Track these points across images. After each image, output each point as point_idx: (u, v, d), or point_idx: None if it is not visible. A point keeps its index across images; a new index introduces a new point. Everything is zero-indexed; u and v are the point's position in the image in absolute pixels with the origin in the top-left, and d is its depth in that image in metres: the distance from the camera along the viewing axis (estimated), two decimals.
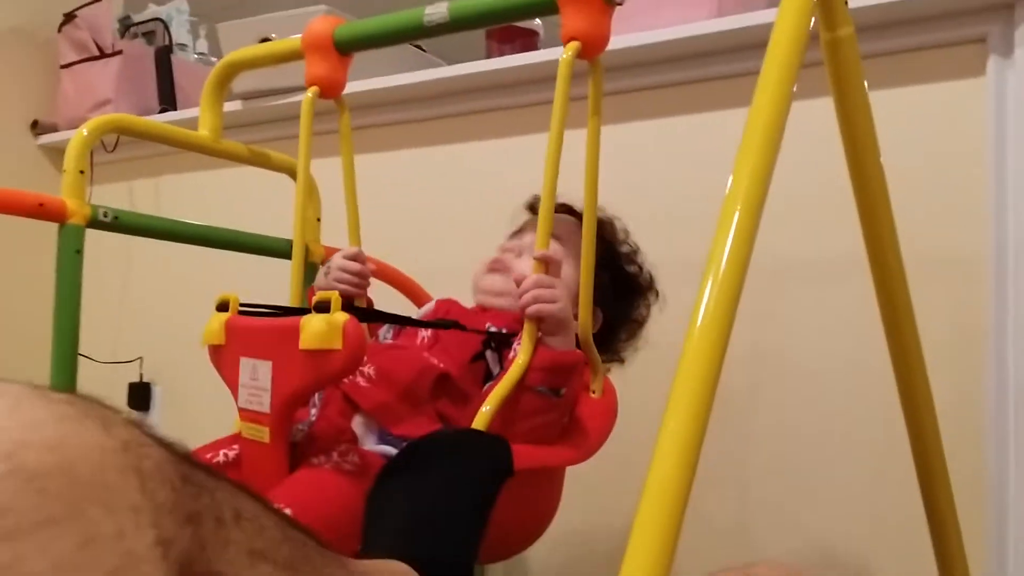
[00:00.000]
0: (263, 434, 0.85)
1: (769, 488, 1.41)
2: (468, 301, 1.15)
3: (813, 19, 0.72)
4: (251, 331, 0.89)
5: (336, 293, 0.82)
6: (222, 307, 0.93)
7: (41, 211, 1.10)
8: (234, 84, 1.39)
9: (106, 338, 2.18)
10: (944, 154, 1.32)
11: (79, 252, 1.12)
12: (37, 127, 2.30)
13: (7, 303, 2.18)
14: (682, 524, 0.49)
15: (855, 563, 1.34)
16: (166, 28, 2.24)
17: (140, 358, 2.16)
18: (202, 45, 2.38)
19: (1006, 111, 1.26)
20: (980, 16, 1.28)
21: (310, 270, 1.27)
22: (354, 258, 1.09)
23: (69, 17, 2.21)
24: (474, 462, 0.82)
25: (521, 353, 0.90)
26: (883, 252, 0.95)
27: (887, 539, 1.31)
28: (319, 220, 1.43)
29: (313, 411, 0.95)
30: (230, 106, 1.89)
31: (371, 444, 0.93)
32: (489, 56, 1.69)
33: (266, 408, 0.84)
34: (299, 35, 1.13)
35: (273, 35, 1.75)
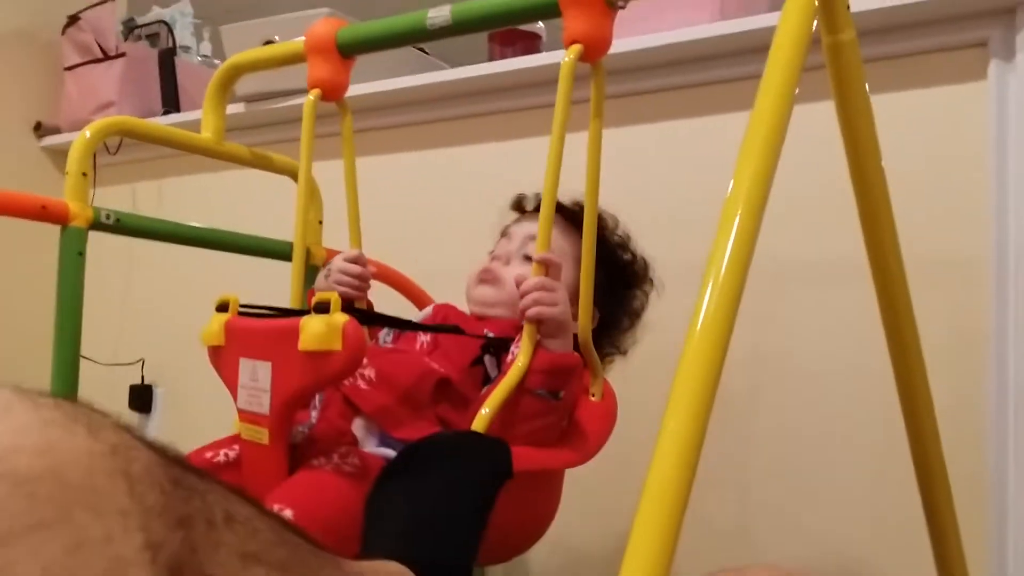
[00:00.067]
0: (262, 435, 0.85)
1: (769, 490, 1.41)
2: (467, 305, 1.15)
3: (815, 23, 0.72)
4: (250, 332, 0.89)
5: (336, 294, 0.81)
6: (222, 308, 0.93)
7: (44, 213, 1.10)
8: (237, 86, 1.39)
9: (108, 340, 2.18)
10: (945, 158, 1.32)
11: (81, 254, 1.12)
12: (40, 129, 2.30)
13: (9, 305, 2.19)
14: (682, 526, 0.49)
15: (855, 565, 1.34)
16: (170, 30, 2.25)
17: (142, 360, 2.16)
18: (206, 47, 2.39)
19: (1007, 115, 1.26)
20: (981, 20, 1.28)
21: (311, 272, 1.27)
22: (355, 260, 1.08)
23: (72, 19, 2.21)
24: (473, 464, 0.82)
25: (520, 355, 0.89)
26: (884, 255, 0.95)
27: (887, 541, 1.31)
28: (320, 222, 1.43)
29: (313, 413, 0.95)
30: (233, 108, 1.90)
31: (372, 447, 0.93)
32: (491, 59, 1.70)
33: (265, 409, 0.84)
34: (302, 38, 1.13)
35: (276, 37, 1.76)
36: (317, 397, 0.97)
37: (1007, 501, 1.22)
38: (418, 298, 1.44)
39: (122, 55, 2.14)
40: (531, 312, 0.89)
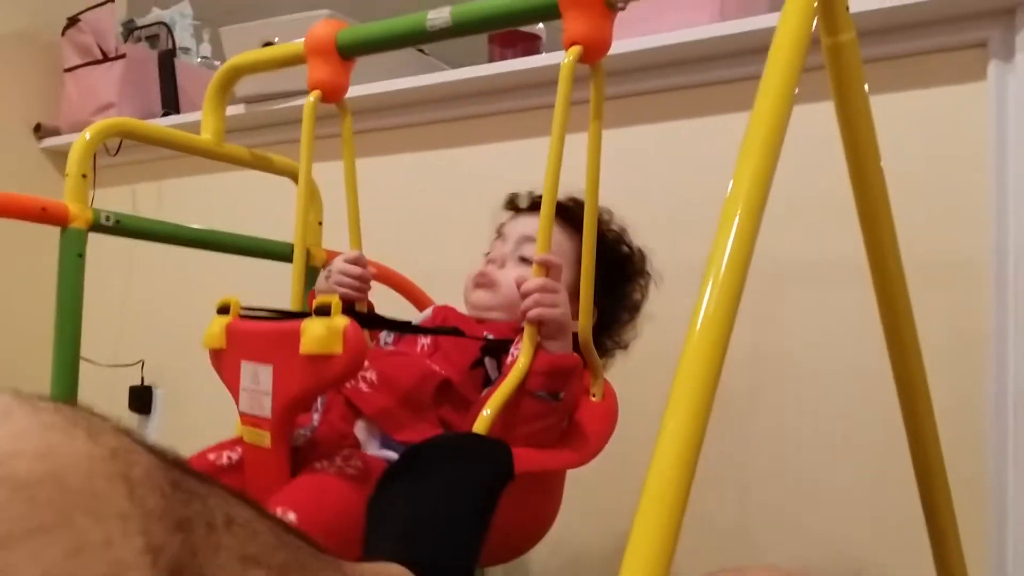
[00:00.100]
0: (264, 439, 0.85)
1: (769, 490, 1.41)
2: (465, 307, 1.15)
3: (815, 24, 0.72)
4: (252, 335, 0.89)
5: (336, 297, 0.81)
6: (223, 310, 0.93)
7: (43, 215, 1.10)
8: (237, 88, 1.39)
9: (108, 341, 2.18)
10: (945, 158, 1.32)
11: (81, 256, 1.12)
12: (40, 130, 2.30)
13: (9, 306, 2.19)
14: (681, 526, 0.49)
15: (855, 565, 1.34)
16: (169, 32, 2.25)
17: (141, 361, 2.16)
18: (205, 49, 2.39)
19: (1007, 115, 1.26)
20: (981, 21, 1.28)
21: (311, 274, 1.27)
22: (355, 262, 1.08)
23: (72, 21, 2.22)
24: (475, 466, 0.82)
25: (521, 357, 0.89)
26: (883, 256, 0.95)
27: (887, 541, 1.31)
28: (320, 224, 1.43)
29: (315, 416, 0.95)
30: (233, 110, 1.90)
31: (374, 449, 0.93)
32: (491, 60, 1.70)
33: (267, 413, 0.84)
34: (302, 39, 1.13)
35: (276, 39, 1.76)
36: (319, 399, 0.97)
37: (1007, 502, 1.22)
38: (418, 299, 1.44)
39: (122, 56, 2.14)
40: (532, 313, 0.89)
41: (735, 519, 1.42)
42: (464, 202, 1.74)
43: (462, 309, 1.14)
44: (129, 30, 2.27)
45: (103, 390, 2.16)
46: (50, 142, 2.30)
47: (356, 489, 0.82)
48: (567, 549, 1.50)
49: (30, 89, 2.30)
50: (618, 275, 1.13)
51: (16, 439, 0.37)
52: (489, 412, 0.86)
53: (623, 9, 0.91)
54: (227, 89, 1.32)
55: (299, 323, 0.81)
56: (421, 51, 1.86)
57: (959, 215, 1.30)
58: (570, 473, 1.02)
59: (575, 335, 0.95)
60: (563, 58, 0.90)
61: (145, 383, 2.18)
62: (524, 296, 0.90)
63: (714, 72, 1.48)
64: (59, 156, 2.31)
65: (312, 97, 1.10)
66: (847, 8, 0.85)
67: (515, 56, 1.66)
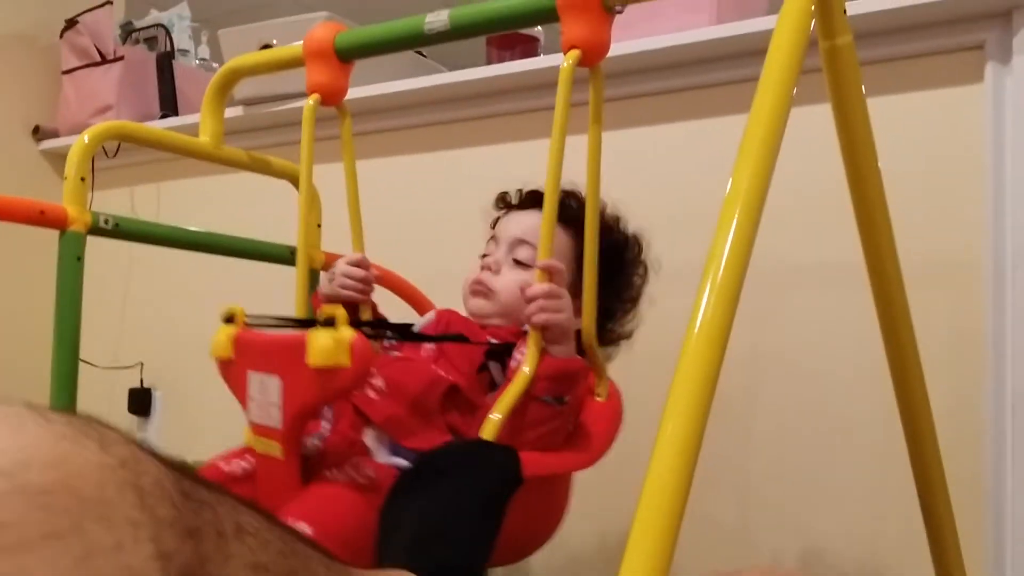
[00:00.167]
0: (275, 449, 0.86)
1: (769, 490, 1.41)
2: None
3: (812, 26, 0.73)
4: (258, 346, 0.89)
5: (342, 308, 0.82)
6: (228, 319, 0.93)
7: (42, 218, 1.10)
8: (235, 90, 1.39)
9: (107, 343, 2.18)
10: (942, 160, 1.32)
11: (80, 259, 1.12)
12: (38, 132, 2.30)
13: (8, 308, 2.19)
14: (680, 527, 0.49)
15: (854, 565, 1.34)
16: (168, 34, 2.25)
17: (141, 363, 2.16)
18: (203, 51, 2.39)
19: (1004, 117, 1.26)
20: (978, 23, 1.28)
21: (310, 276, 1.27)
22: (358, 264, 1.09)
23: (71, 23, 2.22)
24: (484, 473, 0.82)
25: (526, 362, 0.90)
26: (881, 257, 0.95)
27: (886, 541, 1.31)
28: (319, 226, 1.43)
29: (325, 424, 0.96)
30: (231, 112, 1.90)
31: (383, 457, 0.93)
32: (489, 62, 1.70)
33: (277, 423, 0.85)
34: (300, 42, 1.13)
35: (274, 41, 1.76)
36: (327, 407, 0.97)
37: (1005, 502, 1.22)
38: (418, 302, 1.44)
39: (120, 59, 2.15)
40: (537, 319, 0.90)
41: (735, 519, 1.43)
42: (462, 204, 1.73)
43: (463, 311, 1.14)
44: (127, 32, 2.27)
45: (102, 392, 2.16)
46: (48, 144, 2.30)
47: (366, 499, 0.83)
48: (567, 549, 1.50)
49: (28, 91, 2.30)
50: (616, 264, 1.12)
51: (29, 449, 0.37)
52: (498, 416, 0.87)
53: (621, 12, 0.92)
54: (226, 92, 1.32)
55: (305, 335, 0.82)
56: (419, 53, 1.86)
57: (956, 216, 1.30)
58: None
59: (578, 332, 0.95)
60: (562, 61, 0.90)
61: (144, 385, 2.18)
62: (528, 301, 0.90)
63: (711, 74, 1.49)
64: (58, 158, 2.31)
65: (311, 100, 1.10)
66: (844, 11, 0.86)
67: (513, 58, 1.66)
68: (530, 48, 1.69)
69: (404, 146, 1.85)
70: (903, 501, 1.08)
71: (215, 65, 2.34)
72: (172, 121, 2.09)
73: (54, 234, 1.13)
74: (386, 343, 1.11)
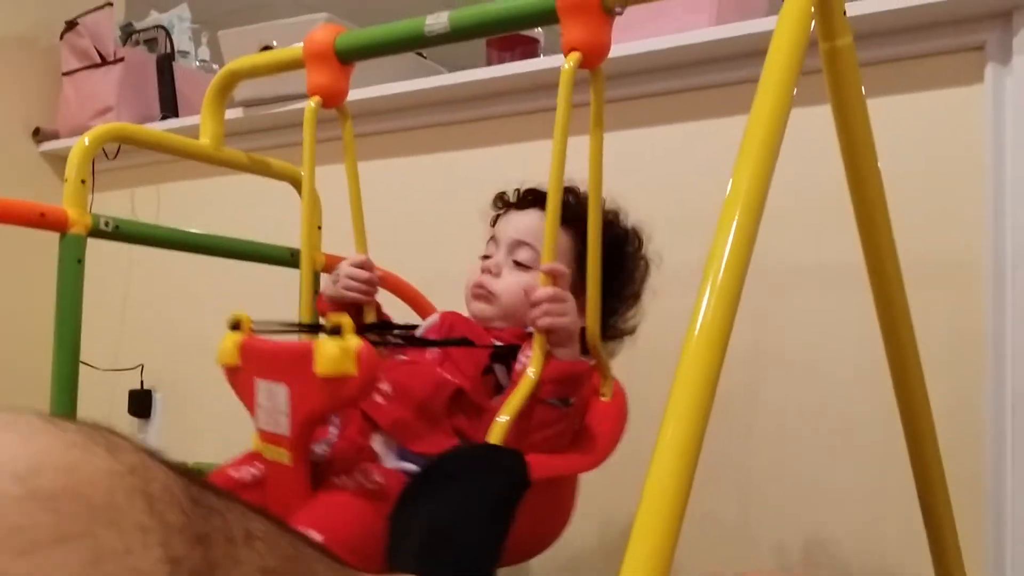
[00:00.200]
0: (284, 456, 0.86)
1: (769, 490, 1.41)
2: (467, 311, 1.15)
3: (812, 27, 0.73)
4: (265, 354, 0.89)
5: (348, 317, 0.82)
6: (234, 326, 0.93)
7: (42, 221, 1.10)
8: (235, 91, 1.39)
9: (107, 345, 2.18)
10: (942, 160, 1.32)
11: (80, 261, 1.12)
12: (39, 134, 2.30)
13: (9, 311, 2.19)
14: (680, 529, 0.49)
15: (854, 565, 1.34)
16: (168, 35, 2.25)
17: (141, 365, 2.17)
18: (204, 52, 2.39)
19: (1004, 118, 1.26)
20: (978, 24, 1.28)
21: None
22: (362, 266, 1.10)
23: (71, 24, 2.22)
24: (492, 477, 0.83)
25: (532, 366, 0.90)
26: (881, 258, 0.95)
27: (886, 541, 1.31)
28: (319, 228, 1.43)
29: (332, 429, 0.96)
30: (231, 113, 1.89)
31: (392, 461, 0.93)
32: (489, 63, 1.70)
33: (285, 431, 0.85)
34: (300, 44, 1.13)
35: (274, 43, 1.76)
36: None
37: (1005, 503, 1.22)
38: (419, 305, 1.43)
39: (120, 60, 2.15)
40: (542, 323, 0.90)
41: (735, 517, 1.43)
42: (462, 205, 1.73)
43: (464, 312, 1.14)
44: (127, 34, 2.27)
45: (102, 394, 2.16)
46: (49, 146, 2.30)
47: (375, 506, 0.84)
48: (568, 549, 1.50)
49: (29, 93, 2.31)
50: (617, 260, 1.12)
51: (41, 455, 0.38)
52: (504, 419, 0.87)
53: (620, 14, 0.92)
54: (226, 94, 1.32)
55: (312, 344, 0.82)
56: (419, 54, 1.86)
57: (956, 216, 1.30)
58: None
59: (582, 330, 0.95)
60: (562, 63, 0.90)
61: (144, 387, 2.18)
62: (533, 306, 0.91)
63: (711, 75, 1.49)
64: (58, 160, 2.31)
65: (313, 103, 1.10)
66: (844, 12, 0.86)
67: (513, 59, 1.66)
68: (530, 49, 1.69)
69: (404, 148, 1.85)
70: (903, 501, 1.08)
71: (215, 66, 2.34)
72: (172, 123, 2.09)
73: (54, 236, 1.13)
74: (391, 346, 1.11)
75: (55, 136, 2.30)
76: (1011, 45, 1.25)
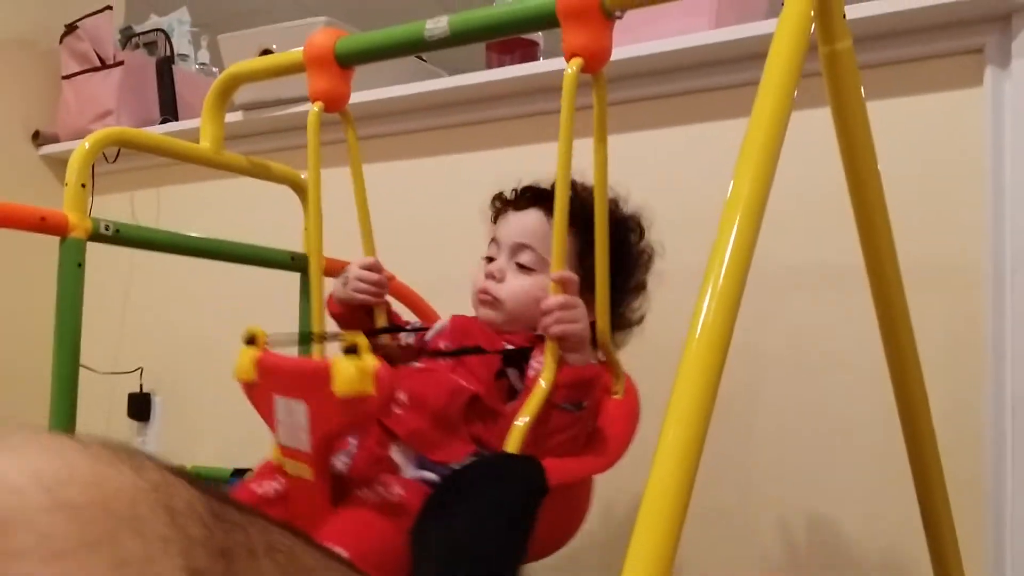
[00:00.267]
0: (305, 471, 0.86)
1: (770, 490, 1.41)
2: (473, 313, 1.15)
3: (812, 29, 0.73)
4: (283, 371, 0.89)
5: (363, 335, 0.82)
6: (249, 340, 0.93)
7: (43, 225, 1.10)
8: (235, 94, 1.39)
9: (107, 348, 2.18)
10: (941, 163, 1.32)
11: (80, 265, 1.12)
12: (38, 138, 2.30)
13: (9, 314, 2.19)
14: (681, 531, 0.49)
15: (854, 564, 1.34)
16: (167, 39, 2.25)
17: (140, 368, 2.16)
18: (203, 55, 2.40)
19: (1003, 121, 1.26)
20: (977, 27, 1.28)
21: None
22: (371, 268, 1.11)
23: (71, 28, 2.22)
24: (510, 486, 0.83)
25: (545, 372, 0.91)
26: (880, 261, 0.96)
27: (886, 541, 1.31)
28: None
29: (352, 441, 0.96)
30: (231, 116, 1.90)
31: (411, 471, 0.94)
32: (489, 66, 1.70)
33: (306, 447, 0.85)
34: (300, 48, 1.13)
35: (274, 46, 1.76)
36: None
37: (1005, 504, 1.22)
38: (421, 311, 1.43)
39: (120, 64, 2.15)
40: (554, 330, 0.91)
41: (736, 517, 1.43)
42: (463, 208, 1.74)
43: (470, 314, 1.14)
44: (127, 37, 2.27)
45: (102, 397, 2.16)
46: (48, 149, 2.30)
47: (397, 519, 0.85)
48: (567, 549, 1.50)
49: (28, 96, 2.31)
50: (620, 249, 1.11)
51: (68, 469, 0.40)
52: (521, 426, 0.88)
53: (620, 17, 0.92)
54: (226, 98, 1.32)
55: (328, 363, 0.82)
56: (419, 57, 1.87)
57: (956, 219, 1.30)
58: None
59: (592, 324, 0.96)
60: (564, 68, 0.90)
61: (144, 390, 2.17)
62: (544, 314, 0.91)
63: (711, 79, 1.49)
64: (58, 163, 2.31)
65: (316, 108, 1.10)
66: (844, 16, 0.86)
67: (513, 62, 1.66)
68: (530, 52, 1.69)
69: (404, 151, 1.85)
70: (903, 501, 1.08)
71: (215, 70, 2.34)
72: (172, 126, 2.09)
73: (54, 239, 1.13)
74: (403, 341, 1.11)
75: (55, 139, 2.30)
76: (1010, 48, 1.26)
